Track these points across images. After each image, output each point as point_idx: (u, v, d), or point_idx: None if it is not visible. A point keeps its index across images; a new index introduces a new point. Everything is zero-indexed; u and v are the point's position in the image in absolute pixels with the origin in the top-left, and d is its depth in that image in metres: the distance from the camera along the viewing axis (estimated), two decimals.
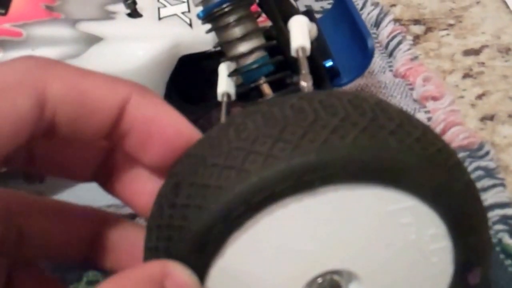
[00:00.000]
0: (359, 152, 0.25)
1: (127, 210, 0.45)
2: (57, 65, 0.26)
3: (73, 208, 0.32)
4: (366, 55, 0.44)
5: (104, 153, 0.31)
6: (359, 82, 0.55)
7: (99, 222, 0.32)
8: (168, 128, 0.28)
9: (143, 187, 0.30)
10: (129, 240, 0.32)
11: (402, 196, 0.26)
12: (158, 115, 0.27)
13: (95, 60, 0.42)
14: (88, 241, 0.32)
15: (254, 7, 0.40)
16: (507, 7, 0.65)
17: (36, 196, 0.32)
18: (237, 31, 0.38)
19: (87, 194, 0.47)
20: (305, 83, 0.36)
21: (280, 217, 0.26)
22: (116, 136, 0.27)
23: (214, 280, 0.27)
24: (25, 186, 0.48)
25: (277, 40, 0.40)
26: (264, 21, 0.42)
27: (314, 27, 0.41)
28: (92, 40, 0.42)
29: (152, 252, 0.28)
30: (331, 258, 0.27)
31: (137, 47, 0.43)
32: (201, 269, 0.26)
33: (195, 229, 0.26)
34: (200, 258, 0.26)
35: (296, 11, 0.43)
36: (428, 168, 0.26)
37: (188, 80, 0.48)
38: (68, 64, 0.27)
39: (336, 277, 0.28)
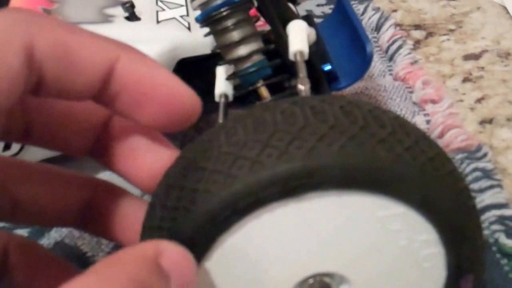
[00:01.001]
0: (345, 160, 0.25)
1: None
2: (43, 19, 0.25)
3: (67, 174, 0.32)
4: (365, 60, 0.44)
5: (101, 126, 0.30)
6: (358, 85, 0.55)
7: (93, 189, 0.32)
8: (162, 86, 0.27)
9: (142, 161, 0.30)
10: (122, 208, 0.32)
11: (391, 203, 0.26)
12: (150, 73, 0.27)
13: None
14: (82, 206, 0.32)
15: (253, 11, 0.40)
16: (507, 12, 0.66)
17: (29, 162, 0.32)
18: (235, 35, 0.38)
19: None
20: (303, 87, 0.36)
21: (267, 222, 0.26)
22: (107, 97, 0.27)
23: (202, 282, 0.27)
24: None
25: (275, 44, 0.40)
26: (263, 25, 0.43)
27: (312, 31, 0.42)
28: None
29: None
30: (320, 261, 0.27)
31: None
32: None
33: (182, 231, 0.26)
34: None
35: (295, 16, 0.43)
36: (417, 177, 0.25)
37: (187, 84, 0.48)
38: (55, 18, 0.26)
39: (327, 279, 0.28)
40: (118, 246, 0.42)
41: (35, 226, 0.45)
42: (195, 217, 0.25)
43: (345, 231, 0.26)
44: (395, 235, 0.27)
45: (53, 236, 0.44)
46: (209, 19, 0.38)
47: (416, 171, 0.25)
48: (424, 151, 0.26)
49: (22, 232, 0.45)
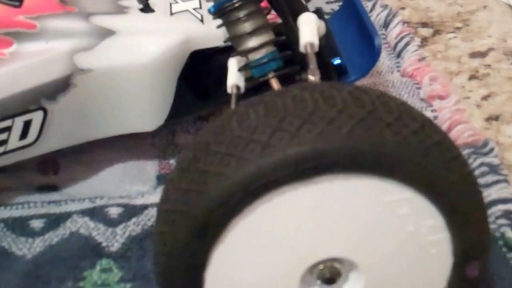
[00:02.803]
0: (353, 144, 0.26)
1: (140, 201, 0.46)
2: None
3: None
4: (373, 53, 0.44)
5: None
6: (367, 81, 0.55)
7: None
8: None
9: None
10: None
11: (398, 188, 0.26)
12: None
13: (108, 53, 0.43)
14: None
15: (264, 3, 0.41)
16: None
17: None
18: (247, 26, 0.39)
19: (101, 186, 0.48)
20: (313, 77, 0.37)
21: (278, 205, 0.26)
22: None
23: (216, 265, 0.28)
24: (39, 177, 0.49)
25: (286, 36, 0.41)
26: (274, 18, 0.43)
27: (322, 24, 0.42)
28: (105, 33, 0.43)
29: (160, 236, 0.29)
30: (329, 246, 0.28)
31: (148, 42, 0.44)
32: (202, 253, 0.27)
33: (195, 214, 0.26)
34: (201, 242, 0.27)
35: (305, 8, 0.43)
36: (423, 160, 0.26)
37: (199, 76, 0.48)
38: None
39: (336, 265, 0.29)
40: (132, 236, 0.43)
41: (51, 217, 0.45)
42: (208, 199, 0.26)
43: (353, 215, 0.27)
44: (402, 220, 0.27)
45: (68, 226, 0.44)
46: (221, 10, 0.39)
47: (423, 154, 0.26)
48: (430, 135, 0.27)
49: (38, 223, 0.45)
